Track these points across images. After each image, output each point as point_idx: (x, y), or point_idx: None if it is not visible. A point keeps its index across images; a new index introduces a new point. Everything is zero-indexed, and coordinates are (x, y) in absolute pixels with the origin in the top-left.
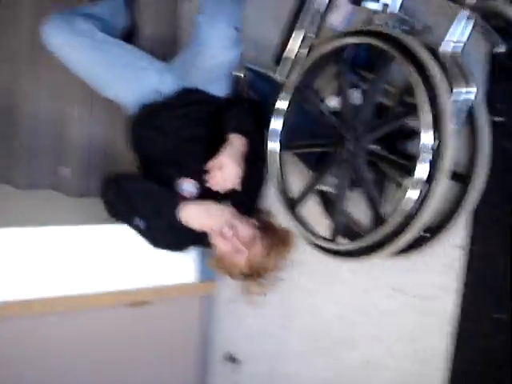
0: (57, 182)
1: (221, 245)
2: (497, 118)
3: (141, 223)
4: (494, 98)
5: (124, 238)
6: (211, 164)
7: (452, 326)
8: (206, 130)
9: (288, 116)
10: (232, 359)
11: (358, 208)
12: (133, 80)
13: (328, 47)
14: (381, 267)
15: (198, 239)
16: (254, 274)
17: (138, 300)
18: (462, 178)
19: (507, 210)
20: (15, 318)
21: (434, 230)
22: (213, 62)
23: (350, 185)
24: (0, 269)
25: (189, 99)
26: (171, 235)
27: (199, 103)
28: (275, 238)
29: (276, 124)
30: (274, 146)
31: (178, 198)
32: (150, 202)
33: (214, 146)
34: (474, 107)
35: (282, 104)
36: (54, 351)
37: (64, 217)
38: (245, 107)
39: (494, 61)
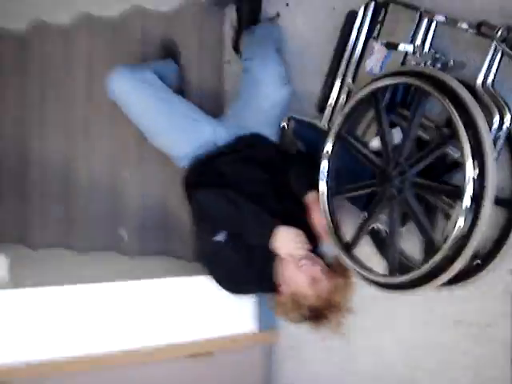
0: (115, 243)
1: (298, 275)
2: None
3: (222, 237)
4: None
5: (185, 290)
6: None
7: None
8: (266, 172)
9: (334, 162)
10: None
11: (408, 244)
12: (190, 131)
13: (366, 91)
14: (439, 299)
15: (265, 279)
16: (321, 312)
17: (199, 351)
18: (508, 203)
19: None
20: (81, 373)
21: (486, 257)
22: (267, 103)
23: (401, 220)
24: (66, 324)
25: (245, 143)
26: (244, 264)
27: (255, 146)
28: (342, 276)
29: (324, 170)
30: (323, 191)
31: (273, 220)
32: (243, 216)
33: (277, 188)
34: None
35: (327, 151)
36: None
37: (120, 272)
38: (306, 162)
39: None
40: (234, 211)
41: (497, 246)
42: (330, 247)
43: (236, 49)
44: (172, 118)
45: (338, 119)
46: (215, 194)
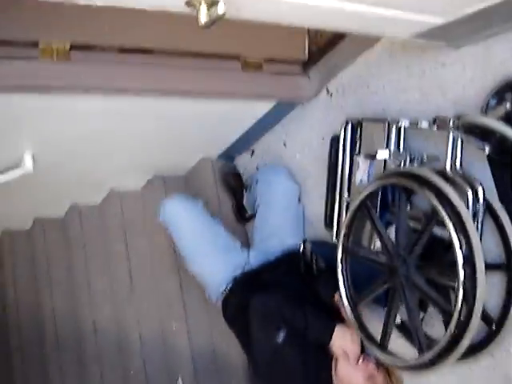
0: None
1: (354, 373)
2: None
3: (281, 337)
4: (504, 188)
5: None
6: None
7: None
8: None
9: (348, 273)
10: None
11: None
12: (228, 255)
13: (358, 201)
14: (472, 374)
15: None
16: None
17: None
18: (504, 266)
19: None
20: None
21: (500, 321)
22: (284, 201)
23: (417, 306)
24: None
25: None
26: (301, 366)
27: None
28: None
29: (341, 283)
30: (345, 303)
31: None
32: (303, 313)
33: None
34: (491, 202)
35: (339, 264)
36: None
37: None
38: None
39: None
40: (294, 309)
41: (506, 308)
42: None
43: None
44: (215, 244)
45: (341, 233)
46: (274, 295)
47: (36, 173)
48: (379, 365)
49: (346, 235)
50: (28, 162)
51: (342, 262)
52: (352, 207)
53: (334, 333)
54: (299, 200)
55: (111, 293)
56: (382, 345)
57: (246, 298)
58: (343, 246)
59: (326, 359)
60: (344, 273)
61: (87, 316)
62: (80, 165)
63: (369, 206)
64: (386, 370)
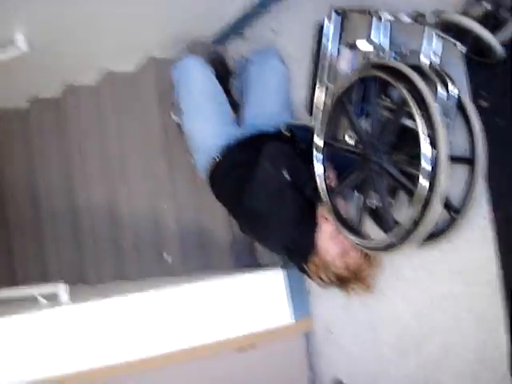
0: (163, 268)
1: (331, 244)
2: (483, 103)
3: (287, 175)
4: (477, 87)
5: (225, 291)
6: None
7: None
8: None
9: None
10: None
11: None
12: (226, 123)
13: (341, 88)
14: (433, 259)
15: (305, 239)
16: (346, 282)
17: (242, 345)
18: (468, 160)
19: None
20: (138, 374)
21: (461, 209)
22: (276, 78)
23: (391, 194)
24: (122, 330)
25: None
26: (297, 215)
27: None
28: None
29: (319, 172)
30: (322, 186)
31: None
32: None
33: None
34: (463, 100)
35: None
36: None
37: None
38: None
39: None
40: (301, 163)
41: (467, 198)
42: None
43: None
44: (217, 110)
45: (322, 119)
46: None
47: (31, 52)
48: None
49: (327, 124)
50: (22, 43)
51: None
52: (336, 93)
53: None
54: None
55: (104, 171)
56: (357, 230)
57: (244, 155)
58: (324, 135)
59: (314, 220)
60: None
61: (81, 193)
62: (75, 45)
63: (345, 99)
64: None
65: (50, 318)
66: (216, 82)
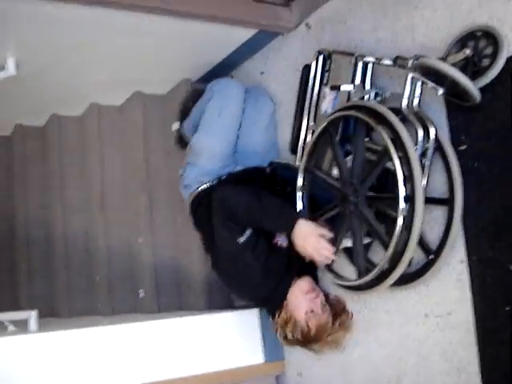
0: (136, 303)
1: (301, 301)
2: (462, 147)
3: (246, 237)
4: (457, 131)
5: (200, 328)
6: None
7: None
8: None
9: (307, 192)
10: None
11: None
12: (228, 153)
13: (320, 128)
14: (409, 299)
15: (276, 292)
16: (308, 342)
17: (213, 382)
18: (446, 202)
19: (489, 219)
20: None
21: (437, 252)
22: (266, 115)
23: (362, 232)
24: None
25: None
26: (262, 272)
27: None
28: (338, 315)
29: (299, 200)
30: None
31: (297, 213)
32: (265, 205)
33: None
34: (442, 143)
35: (299, 184)
36: None
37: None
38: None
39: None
40: (257, 201)
41: (444, 240)
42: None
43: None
44: (231, 138)
45: (304, 156)
46: (239, 188)
47: (19, 77)
48: (327, 304)
49: (308, 158)
50: (11, 66)
51: (302, 182)
52: (315, 133)
53: (298, 223)
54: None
55: (83, 203)
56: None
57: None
58: (305, 167)
59: (288, 275)
60: (304, 192)
61: (58, 223)
62: (63, 75)
63: (332, 132)
64: (335, 313)
65: (17, 345)
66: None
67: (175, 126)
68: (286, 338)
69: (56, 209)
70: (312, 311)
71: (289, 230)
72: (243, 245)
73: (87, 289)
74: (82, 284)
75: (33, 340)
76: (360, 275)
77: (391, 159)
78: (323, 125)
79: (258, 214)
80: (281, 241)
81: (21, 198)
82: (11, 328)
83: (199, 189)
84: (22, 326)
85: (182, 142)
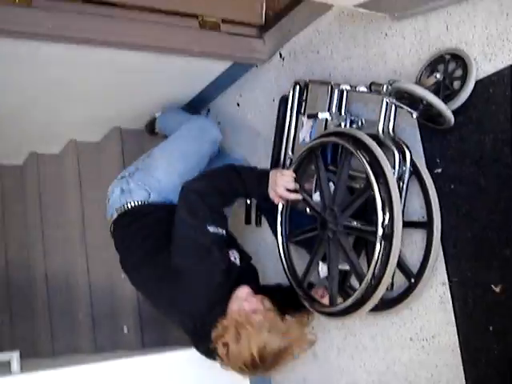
0: (119, 340)
1: (244, 300)
2: (437, 169)
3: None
4: (431, 154)
5: (186, 364)
6: None
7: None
8: None
9: (287, 215)
10: None
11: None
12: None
13: (300, 155)
14: (393, 324)
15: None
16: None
17: None
18: (425, 225)
19: (467, 240)
20: None
21: (418, 275)
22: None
23: (340, 258)
24: None
25: None
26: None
27: None
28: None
29: (279, 222)
30: (279, 239)
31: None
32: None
33: None
34: (418, 167)
35: (280, 207)
36: None
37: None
38: None
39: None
40: (235, 175)
41: (424, 263)
42: None
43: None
44: (191, 174)
45: None
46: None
47: None
48: (271, 311)
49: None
50: None
51: (283, 206)
52: (294, 161)
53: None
54: None
55: (64, 242)
56: (301, 283)
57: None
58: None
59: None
60: (283, 214)
61: (40, 262)
62: (40, 113)
63: (317, 156)
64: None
65: None
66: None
67: (158, 113)
68: (227, 352)
69: (37, 248)
70: (255, 312)
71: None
72: (215, 236)
73: (70, 327)
74: (65, 322)
75: (15, 381)
76: (333, 301)
77: (370, 185)
78: (304, 152)
79: (239, 186)
80: (234, 258)
81: (0, 237)
82: None
83: (143, 202)
84: (3, 368)
85: (152, 129)
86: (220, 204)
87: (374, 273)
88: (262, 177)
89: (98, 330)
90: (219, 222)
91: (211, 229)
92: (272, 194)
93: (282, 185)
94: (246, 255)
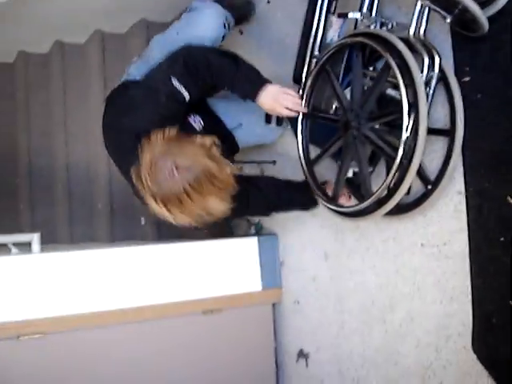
0: (136, 232)
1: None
2: (465, 78)
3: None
4: (461, 62)
5: (199, 254)
6: None
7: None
8: None
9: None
10: (302, 354)
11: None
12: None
13: (330, 51)
14: (406, 231)
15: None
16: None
17: (209, 308)
18: (447, 133)
19: (488, 151)
20: (101, 327)
21: (436, 182)
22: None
23: (367, 157)
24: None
25: None
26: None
27: None
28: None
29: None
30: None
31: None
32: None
33: None
34: (446, 74)
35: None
36: (131, 360)
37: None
38: None
39: (452, 33)
40: (234, 65)
41: (442, 171)
42: None
43: None
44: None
45: (309, 80)
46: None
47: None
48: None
49: (309, 93)
50: None
51: (302, 122)
52: (323, 58)
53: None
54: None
55: (85, 132)
56: (334, 198)
57: None
58: (306, 102)
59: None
60: (303, 133)
61: (61, 151)
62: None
63: (331, 59)
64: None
65: (20, 265)
66: None
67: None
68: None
69: (59, 137)
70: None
71: (255, 93)
72: (174, 90)
73: (88, 217)
74: (84, 212)
75: (35, 260)
76: (367, 198)
77: (394, 84)
78: (332, 50)
79: (229, 75)
80: (194, 121)
81: (23, 125)
82: (14, 250)
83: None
84: (24, 249)
85: None
86: (201, 73)
87: (394, 175)
88: (257, 85)
89: (116, 221)
90: (187, 84)
91: (175, 82)
92: (269, 110)
93: (284, 104)
94: (220, 129)
